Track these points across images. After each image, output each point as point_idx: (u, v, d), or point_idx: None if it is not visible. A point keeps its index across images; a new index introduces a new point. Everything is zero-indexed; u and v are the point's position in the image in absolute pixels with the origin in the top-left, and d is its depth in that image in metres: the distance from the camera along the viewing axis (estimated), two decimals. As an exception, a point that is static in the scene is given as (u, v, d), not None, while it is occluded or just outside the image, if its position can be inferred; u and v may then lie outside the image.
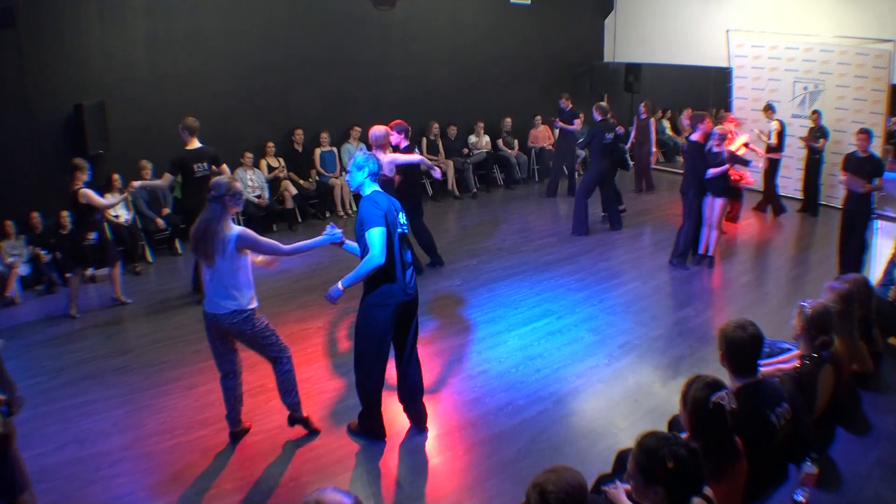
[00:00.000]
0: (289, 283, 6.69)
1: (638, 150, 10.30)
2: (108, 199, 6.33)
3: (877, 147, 8.84)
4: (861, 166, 6.51)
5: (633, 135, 10.35)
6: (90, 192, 5.83)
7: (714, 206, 6.83)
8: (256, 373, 4.87)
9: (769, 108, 9.01)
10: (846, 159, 6.72)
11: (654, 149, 10.40)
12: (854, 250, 6.71)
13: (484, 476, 3.71)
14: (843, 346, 3.28)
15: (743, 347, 2.71)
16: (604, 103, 8.28)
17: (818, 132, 8.85)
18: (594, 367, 4.95)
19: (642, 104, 10.20)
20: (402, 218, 3.84)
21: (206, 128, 7.84)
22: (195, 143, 6.07)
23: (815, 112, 8.92)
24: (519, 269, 7.03)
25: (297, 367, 4.90)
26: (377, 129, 6.05)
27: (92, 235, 5.97)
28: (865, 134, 6.65)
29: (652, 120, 10.22)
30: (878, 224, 8.60)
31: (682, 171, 7.01)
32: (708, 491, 2.17)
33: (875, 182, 6.48)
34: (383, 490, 3.65)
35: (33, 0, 6.61)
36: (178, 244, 7.66)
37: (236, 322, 3.78)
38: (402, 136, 6.49)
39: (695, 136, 6.79)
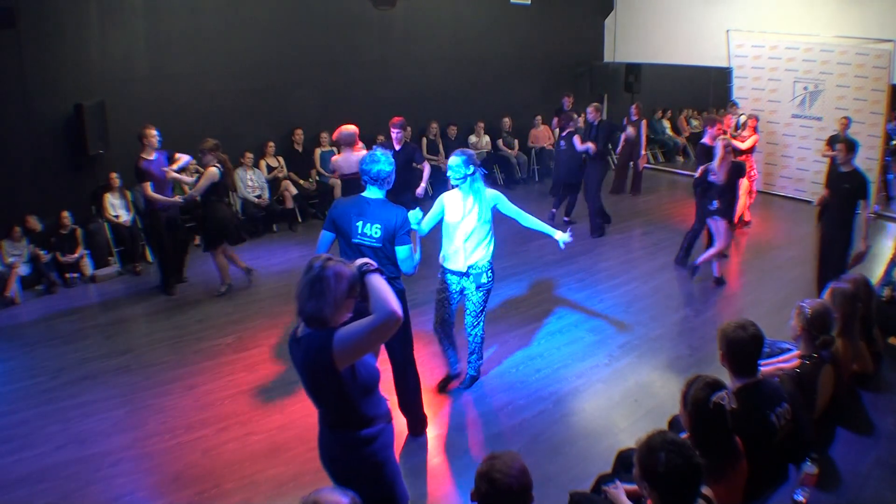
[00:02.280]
0: (289, 283, 6.68)
1: (628, 152, 10.28)
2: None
3: (874, 148, 8.85)
4: (839, 182, 5.42)
5: (623, 137, 10.35)
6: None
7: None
8: (256, 373, 4.89)
9: (733, 104, 9.21)
10: (829, 173, 5.70)
11: (643, 151, 10.39)
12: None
13: (484, 476, 3.71)
14: (845, 346, 3.28)
15: (743, 347, 2.71)
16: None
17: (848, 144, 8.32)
18: (594, 367, 4.96)
19: (634, 106, 10.20)
20: (369, 229, 3.52)
21: (206, 128, 7.88)
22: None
23: (845, 118, 8.40)
24: (519, 269, 7.03)
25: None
26: (346, 129, 6.04)
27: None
28: (843, 144, 5.43)
29: (643, 122, 10.21)
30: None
31: (682, 172, 6.94)
32: (708, 491, 2.18)
33: (859, 206, 5.30)
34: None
35: (33, 0, 6.61)
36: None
37: None
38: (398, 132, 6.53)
39: (705, 139, 6.71)
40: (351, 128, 6.05)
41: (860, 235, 5.48)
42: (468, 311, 4.43)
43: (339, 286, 2.20)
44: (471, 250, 4.25)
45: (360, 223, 3.53)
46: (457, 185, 4.25)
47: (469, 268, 4.27)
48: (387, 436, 2.45)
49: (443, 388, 4.64)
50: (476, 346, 4.56)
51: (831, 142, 8.03)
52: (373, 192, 3.62)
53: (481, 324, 4.47)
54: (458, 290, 4.38)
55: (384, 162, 3.56)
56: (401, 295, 3.70)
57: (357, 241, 3.55)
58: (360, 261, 2.30)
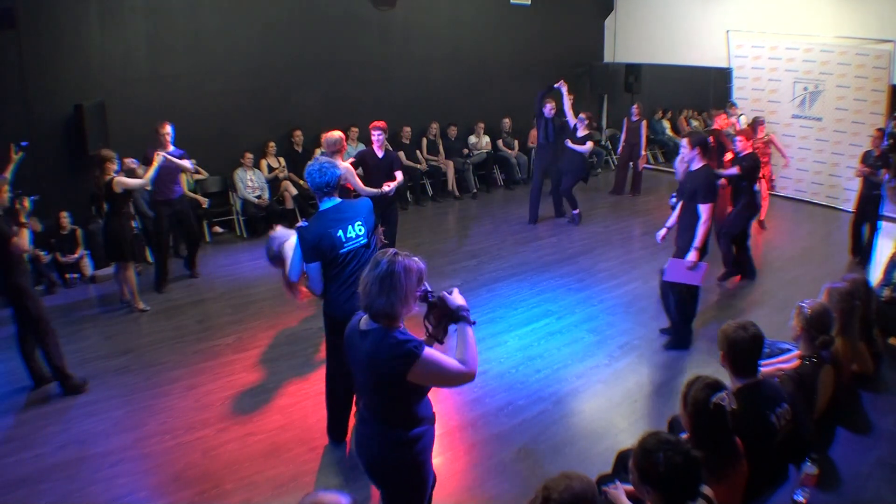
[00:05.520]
0: (289, 283, 6.67)
1: (628, 152, 10.29)
2: (140, 179, 6.00)
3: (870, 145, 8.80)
4: (685, 182, 4.90)
5: (623, 137, 10.37)
6: (124, 179, 5.78)
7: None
8: (256, 373, 4.89)
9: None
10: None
11: (643, 152, 10.39)
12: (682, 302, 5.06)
13: (484, 477, 3.71)
14: (844, 345, 3.28)
15: (744, 348, 2.72)
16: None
17: (880, 160, 6.79)
18: (594, 368, 4.95)
19: (634, 106, 10.21)
20: (353, 230, 3.47)
21: (206, 128, 7.91)
22: None
23: (879, 131, 7.32)
24: (519, 270, 7.03)
25: (299, 368, 4.94)
26: (332, 135, 5.50)
27: (134, 224, 6.20)
28: (688, 139, 4.82)
29: (644, 122, 10.21)
30: (880, 224, 8.56)
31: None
32: (708, 491, 2.18)
33: (700, 212, 4.55)
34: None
35: (33, 0, 6.61)
36: (178, 244, 7.65)
37: None
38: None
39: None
40: (336, 134, 5.55)
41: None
42: None
43: (409, 280, 2.24)
44: None
45: (341, 232, 3.45)
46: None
47: None
48: (429, 438, 2.50)
49: None
50: None
51: (865, 160, 7.06)
52: (331, 202, 3.54)
53: None
54: None
55: (332, 169, 3.50)
56: None
57: (346, 248, 3.46)
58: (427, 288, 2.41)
